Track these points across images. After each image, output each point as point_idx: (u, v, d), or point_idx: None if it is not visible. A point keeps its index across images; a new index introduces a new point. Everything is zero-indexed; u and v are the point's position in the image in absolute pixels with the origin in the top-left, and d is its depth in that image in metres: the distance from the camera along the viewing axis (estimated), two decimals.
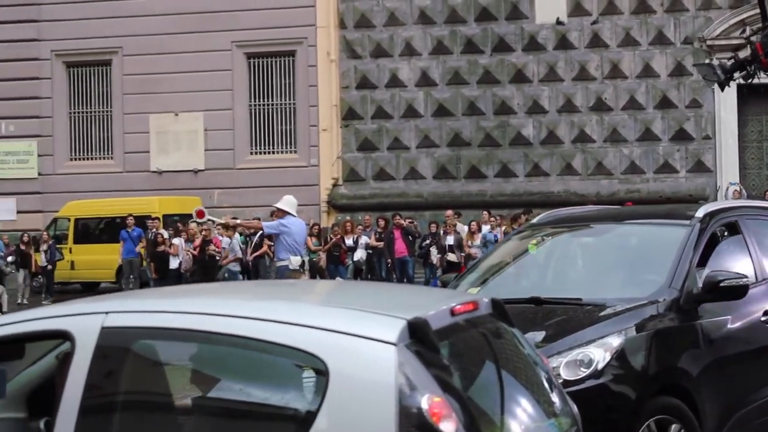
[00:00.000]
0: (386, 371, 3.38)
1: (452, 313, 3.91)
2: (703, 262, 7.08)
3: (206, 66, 26.57)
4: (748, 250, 7.55)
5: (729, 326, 6.99)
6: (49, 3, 27.31)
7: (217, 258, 20.91)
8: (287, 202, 15.16)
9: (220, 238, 21.22)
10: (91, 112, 27.75)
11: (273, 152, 26.89)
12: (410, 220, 22.42)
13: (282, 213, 15.03)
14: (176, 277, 21.05)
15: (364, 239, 21.99)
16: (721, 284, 6.69)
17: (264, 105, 26.90)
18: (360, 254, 21.85)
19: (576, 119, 25.40)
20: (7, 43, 27.33)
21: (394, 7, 26.11)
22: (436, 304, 4.07)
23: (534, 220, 9.03)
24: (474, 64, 25.75)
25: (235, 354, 3.73)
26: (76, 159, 27.74)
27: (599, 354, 6.09)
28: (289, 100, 26.82)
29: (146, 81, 26.81)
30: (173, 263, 21.34)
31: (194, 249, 21.02)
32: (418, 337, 3.53)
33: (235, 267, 21.18)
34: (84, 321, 3.87)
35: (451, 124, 25.83)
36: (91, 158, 27.72)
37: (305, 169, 26.27)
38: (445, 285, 8.37)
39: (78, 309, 4.09)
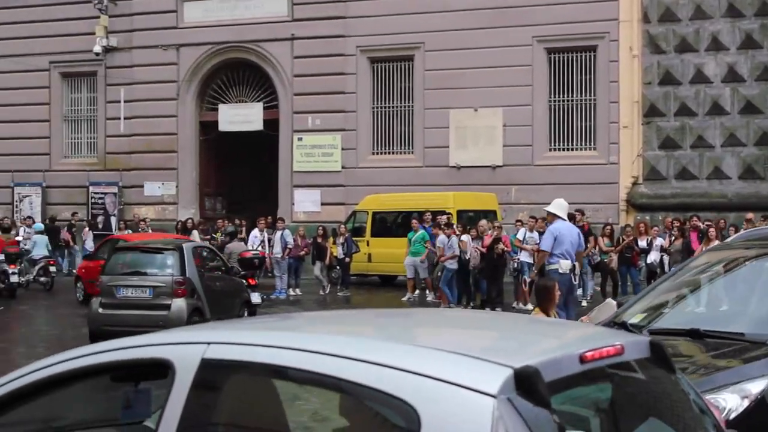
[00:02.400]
0: (481, 426, 3.33)
1: (582, 359, 3.75)
2: None
3: (506, 61, 29.47)
4: None
5: None
6: (356, 0, 31.20)
7: (506, 256, 23.19)
8: (558, 206, 16.50)
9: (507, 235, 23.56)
10: (393, 107, 31.44)
11: (572, 149, 29.46)
12: (708, 223, 23.91)
13: (553, 217, 16.44)
14: (464, 274, 23.64)
15: (659, 241, 23.62)
16: None
17: (563, 101, 29.51)
18: (654, 257, 23.39)
19: None
20: (315, 40, 31.48)
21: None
22: (561, 349, 3.98)
23: (729, 239, 9.46)
24: None
25: (329, 396, 3.85)
26: (377, 153, 31.55)
27: (733, 401, 5.90)
28: (589, 95, 29.28)
29: (447, 76, 30.09)
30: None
31: (483, 247, 23.09)
32: (526, 389, 3.43)
33: (452, 264, 23.05)
34: (185, 351, 4.01)
35: (759, 122, 27.40)
36: (392, 152, 31.42)
37: (604, 167, 28.69)
38: (619, 306, 8.50)
39: (180, 338, 4.27)
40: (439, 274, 23.30)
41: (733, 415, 5.83)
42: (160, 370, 3.98)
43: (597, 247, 24.38)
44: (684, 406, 4.31)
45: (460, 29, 29.88)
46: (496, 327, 4.78)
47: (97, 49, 33.58)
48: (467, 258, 23.39)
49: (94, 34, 33.65)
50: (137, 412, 4.41)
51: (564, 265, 15.71)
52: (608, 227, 24.77)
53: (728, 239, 9.66)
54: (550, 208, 16.62)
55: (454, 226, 24.05)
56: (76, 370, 4.23)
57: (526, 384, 3.41)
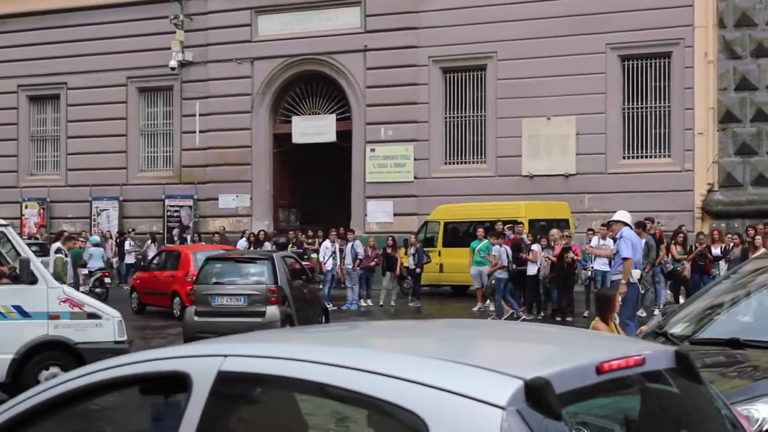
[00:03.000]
0: None
1: (599, 370, 3.74)
2: None
3: (579, 69, 29.73)
4: None
5: None
6: (428, 10, 31.78)
7: (576, 266, 23.50)
8: (623, 215, 16.56)
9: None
10: (465, 117, 31.92)
11: (646, 156, 29.61)
12: (753, 229, 23.58)
13: (620, 225, 16.43)
14: (534, 283, 24.06)
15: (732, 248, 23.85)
16: None
17: (637, 108, 29.68)
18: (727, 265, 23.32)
19: None
20: (388, 51, 32.13)
21: None
22: (576, 359, 3.96)
23: None
24: None
25: (342, 408, 3.95)
26: (450, 163, 32.01)
27: (766, 411, 5.88)
28: (664, 102, 29.44)
29: (519, 85, 30.47)
30: (531, 270, 23.72)
31: (553, 256, 23.39)
32: (536, 400, 3.45)
33: (501, 274, 23.24)
34: (202, 363, 4.07)
35: None
36: (465, 162, 31.86)
37: (679, 174, 28.80)
38: (664, 315, 8.56)
39: (197, 350, 4.34)
40: (492, 283, 23.64)
41: (766, 426, 5.84)
42: (180, 383, 4.05)
43: (670, 256, 24.66)
44: (713, 418, 4.30)
45: (532, 38, 30.21)
46: (513, 338, 4.78)
47: (173, 63, 34.70)
48: (537, 267, 23.86)
49: (170, 49, 34.76)
50: (167, 425, 4.36)
51: (634, 274, 15.78)
52: (681, 235, 24.90)
53: None
54: (618, 217, 16.65)
55: (507, 236, 24.45)
56: (99, 383, 4.33)
57: (537, 395, 3.43)
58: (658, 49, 29.35)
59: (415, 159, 32.04)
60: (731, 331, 7.10)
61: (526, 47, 30.34)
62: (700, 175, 28.68)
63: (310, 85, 34.26)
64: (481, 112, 31.66)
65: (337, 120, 33.61)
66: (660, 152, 29.51)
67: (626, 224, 16.28)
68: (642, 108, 29.67)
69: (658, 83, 29.55)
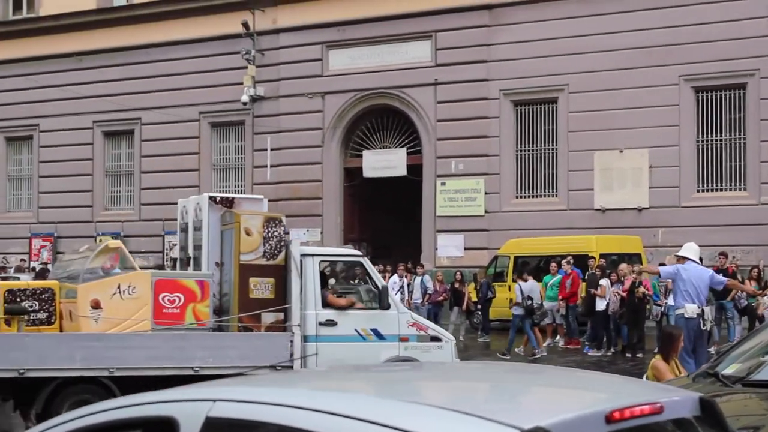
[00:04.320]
0: None
1: (609, 419, 3.62)
2: None
3: (652, 101, 29.68)
4: None
5: None
6: (499, 43, 32.01)
7: (647, 300, 23.52)
8: (688, 249, 16.58)
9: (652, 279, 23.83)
10: (536, 150, 32.02)
11: (721, 189, 29.41)
12: None
13: (683, 260, 16.42)
14: (604, 319, 24.04)
15: None
16: None
17: (711, 140, 29.52)
18: None
19: None
20: (459, 84, 32.40)
21: None
22: (584, 407, 3.81)
23: None
24: None
25: None
26: (521, 197, 32.10)
27: None
28: (739, 134, 29.25)
29: (591, 118, 30.54)
30: (600, 305, 23.82)
31: (623, 291, 23.39)
32: None
33: (518, 311, 23.60)
34: (190, 408, 4.00)
35: None
36: (536, 196, 31.93)
37: (755, 207, 28.55)
38: (719, 355, 8.42)
39: (186, 394, 4.26)
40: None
41: None
42: (168, 429, 3.96)
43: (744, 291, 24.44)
44: None
45: (604, 70, 30.31)
46: (523, 382, 4.60)
47: (245, 98, 35.29)
48: (606, 303, 23.90)
49: (242, 84, 35.39)
50: None
51: (690, 309, 15.76)
52: (755, 270, 24.76)
53: None
54: (681, 252, 16.72)
55: (565, 271, 25.05)
56: (86, 428, 4.27)
57: None
58: (732, 80, 29.24)
59: (485, 193, 32.14)
60: None
61: (598, 79, 30.41)
62: None
63: (381, 119, 34.63)
64: (552, 145, 31.73)
65: (408, 154, 33.90)
66: (735, 185, 29.31)
67: (691, 259, 16.22)
68: (716, 140, 29.52)
69: (732, 115, 29.40)
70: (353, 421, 3.62)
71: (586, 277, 25.36)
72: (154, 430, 4.24)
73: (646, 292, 23.38)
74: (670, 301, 23.22)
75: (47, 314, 13.93)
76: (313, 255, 15.21)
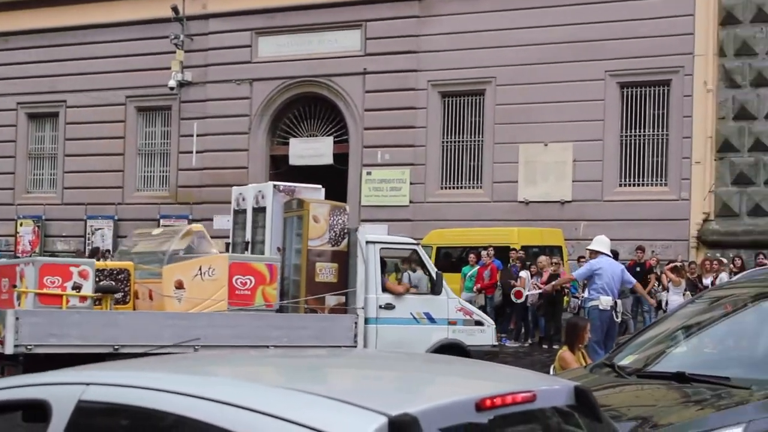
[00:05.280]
0: None
1: (479, 407, 3.61)
2: None
3: (578, 96, 29.99)
4: None
5: None
6: (428, 35, 32.09)
7: (565, 293, 23.69)
8: (600, 243, 17.23)
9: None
10: (462, 142, 32.16)
11: (642, 184, 29.75)
12: (682, 261, 23.99)
13: (595, 254, 17.14)
14: (522, 310, 24.19)
15: (723, 276, 23.81)
16: None
17: (635, 136, 29.85)
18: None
19: None
20: (387, 74, 32.46)
21: None
22: (454, 394, 3.84)
23: (734, 278, 9.62)
24: None
25: None
26: (446, 188, 32.22)
27: None
28: (662, 130, 29.62)
29: (517, 111, 30.74)
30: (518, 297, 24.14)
31: (541, 283, 23.69)
32: None
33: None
34: (63, 391, 3.93)
35: None
36: (461, 187, 32.05)
37: (675, 203, 28.94)
38: (618, 346, 8.58)
39: (59, 378, 4.17)
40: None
41: None
42: (42, 412, 3.91)
43: (660, 285, 24.79)
44: None
45: (531, 63, 30.48)
46: (394, 369, 4.62)
47: (172, 83, 35.04)
48: (525, 295, 24.10)
49: (169, 69, 35.17)
50: None
51: (604, 301, 16.29)
52: (673, 264, 25.13)
53: (733, 279, 9.80)
54: (592, 246, 17.34)
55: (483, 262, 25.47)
56: None
57: None
58: (657, 77, 29.57)
59: (411, 183, 32.25)
60: (678, 365, 7.08)
61: (525, 73, 30.61)
62: (697, 204, 28.79)
63: (309, 107, 34.59)
64: (478, 137, 31.89)
65: (335, 142, 33.89)
66: (657, 180, 29.65)
67: (602, 253, 16.78)
68: (640, 136, 29.86)
69: (656, 111, 29.75)
70: (213, 403, 3.61)
71: (504, 269, 25.58)
72: (30, 413, 4.24)
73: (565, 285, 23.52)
74: (586, 293, 23.59)
75: (122, 294, 14.75)
76: (375, 242, 16.46)
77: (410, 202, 32.23)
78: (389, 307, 16.42)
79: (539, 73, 30.45)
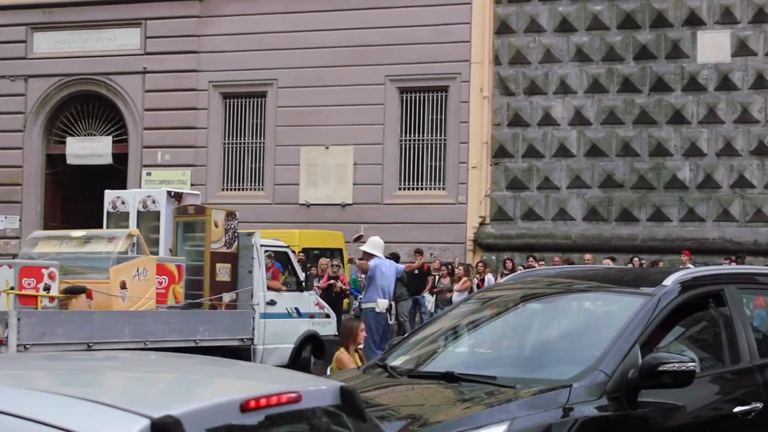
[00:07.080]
0: None
1: (243, 407, 3.67)
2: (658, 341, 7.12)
3: (359, 99, 30.40)
4: (728, 329, 7.47)
5: (680, 422, 6.91)
6: (210, 35, 31.92)
7: (345, 295, 24.10)
8: (375, 245, 17.86)
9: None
10: (244, 143, 32.15)
11: (421, 188, 30.44)
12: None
13: (369, 256, 17.63)
14: None
15: (489, 278, 24.96)
16: (660, 369, 6.40)
17: (414, 140, 30.50)
18: None
19: (735, 163, 27.94)
20: (168, 74, 32.13)
21: (550, 43, 29.27)
22: (218, 396, 3.90)
23: (503, 280, 10.13)
24: (630, 104, 28.56)
25: None
26: (227, 189, 32.14)
27: None
28: (440, 135, 30.35)
29: (299, 113, 30.93)
30: None
31: (321, 285, 23.90)
32: None
33: None
34: None
35: (604, 165, 28.75)
36: (243, 189, 32.03)
37: (453, 207, 29.70)
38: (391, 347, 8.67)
39: None
40: None
41: None
42: None
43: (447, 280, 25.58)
44: None
45: (313, 66, 30.66)
46: (164, 371, 4.62)
47: None
48: None
49: None
50: None
51: (381, 304, 16.82)
52: (447, 267, 25.93)
53: (501, 280, 10.14)
54: (366, 247, 17.86)
55: None
56: None
57: None
58: (436, 82, 30.24)
59: (192, 184, 31.91)
60: (449, 365, 7.24)
61: (307, 76, 30.80)
62: (473, 208, 29.62)
63: (87, 105, 33.83)
64: (260, 139, 31.93)
65: (114, 142, 33.25)
66: (435, 184, 30.36)
67: (375, 255, 17.29)
68: (419, 140, 30.49)
69: (435, 116, 30.44)
70: None
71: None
72: None
73: (343, 286, 23.88)
74: (362, 295, 24.04)
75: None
76: (263, 246, 18.82)
77: None
78: (272, 303, 18.62)
79: (321, 76, 30.69)
